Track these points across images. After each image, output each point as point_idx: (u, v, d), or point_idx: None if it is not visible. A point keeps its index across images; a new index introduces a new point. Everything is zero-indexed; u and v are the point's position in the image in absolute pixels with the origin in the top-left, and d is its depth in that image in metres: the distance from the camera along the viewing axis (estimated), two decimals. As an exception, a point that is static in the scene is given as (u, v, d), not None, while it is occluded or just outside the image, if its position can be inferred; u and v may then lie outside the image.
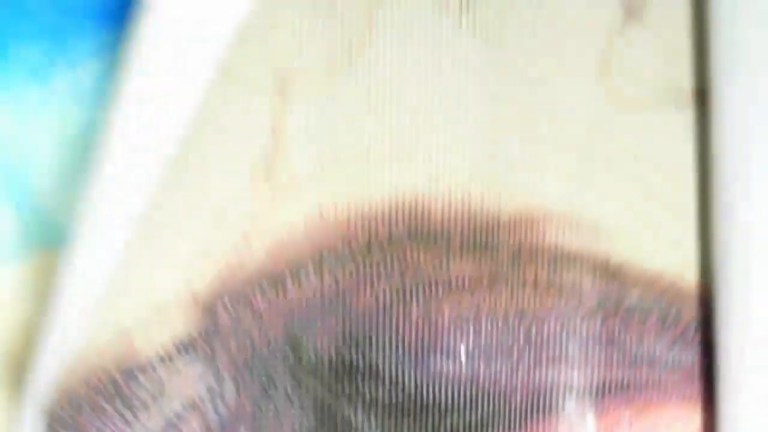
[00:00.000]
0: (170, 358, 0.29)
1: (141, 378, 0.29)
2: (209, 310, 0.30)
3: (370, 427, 0.27)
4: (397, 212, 0.28)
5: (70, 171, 0.70)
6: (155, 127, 0.34)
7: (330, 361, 0.28)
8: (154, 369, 0.29)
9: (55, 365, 0.31)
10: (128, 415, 0.29)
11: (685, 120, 0.29)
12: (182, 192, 0.35)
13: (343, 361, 0.28)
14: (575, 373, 0.28)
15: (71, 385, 0.30)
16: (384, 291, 0.28)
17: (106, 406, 0.29)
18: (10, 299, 0.67)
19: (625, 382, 0.28)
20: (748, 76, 0.26)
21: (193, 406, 0.28)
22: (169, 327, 0.30)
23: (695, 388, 0.28)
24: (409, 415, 0.27)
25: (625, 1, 0.29)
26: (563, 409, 0.28)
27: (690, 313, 0.29)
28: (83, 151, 0.69)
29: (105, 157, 0.36)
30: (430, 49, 0.29)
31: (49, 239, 0.68)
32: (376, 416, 0.27)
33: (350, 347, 0.28)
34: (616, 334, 0.28)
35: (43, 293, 0.66)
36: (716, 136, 0.27)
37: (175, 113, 0.34)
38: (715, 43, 0.27)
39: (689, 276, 0.29)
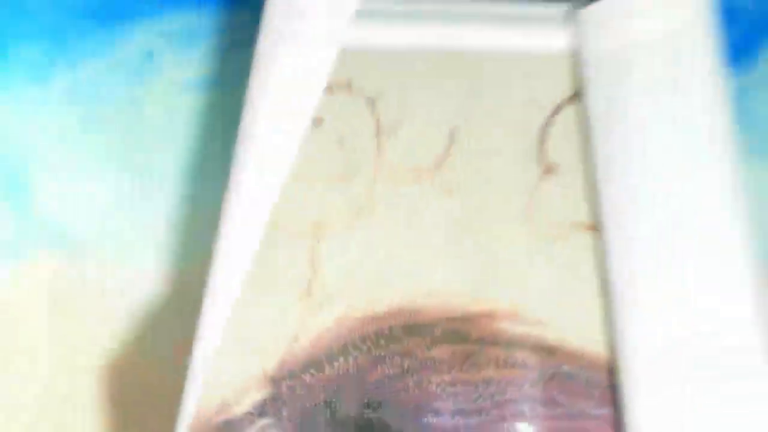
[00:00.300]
0: (250, 416, 0.40)
1: (237, 425, 0.40)
2: (275, 383, 0.41)
3: None
4: (396, 315, 0.40)
5: (70, 171, 0.71)
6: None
7: (354, 418, 0.39)
8: (240, 422, 0.40)
9: (189, 411, 0.41)
10: None
11: (584, 244, 0.41)
12: (255, 304, 0.43)
13: (363, 418, 0.39)
14: (527, 426, 0.39)
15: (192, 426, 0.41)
16: (389, 369, 0.40)
17: None
18: (10, 299, 0.70)
19: (569, 428, 0.39)
20: (624, 215, 0.40)
21: None
22: (250, 394, 0.40)
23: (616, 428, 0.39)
24: None
25: (543, 160, 0.41)
26: None
27: (604, 378, 0.40)
28: (83, 151, 0.70)
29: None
30: (415, 205, 0.42)
31: (49, 239, 0.71)
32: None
33: (368, 408, 0.39)
34: (555, 395, 0.40)
35: (42, 293, 0.69)
36: (608, 255, 0.40)
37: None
38: (601, 192, 0.41)
39: (601, 352, 0.41)
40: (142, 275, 0.71)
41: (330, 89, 0.43)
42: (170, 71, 0.72)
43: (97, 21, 0.72)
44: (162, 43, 0.72)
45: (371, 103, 0.43)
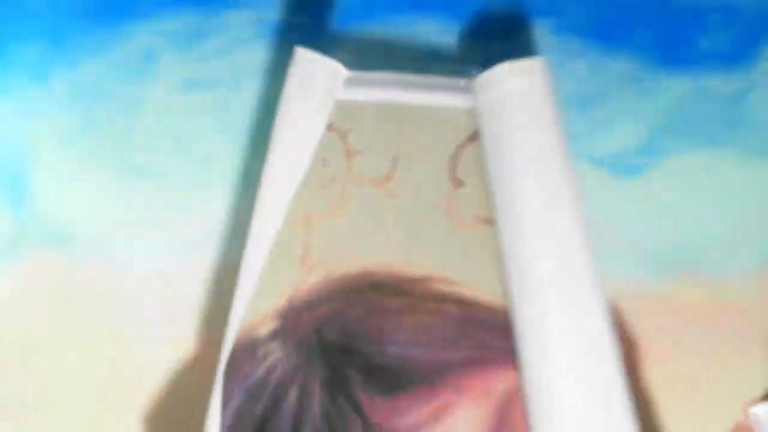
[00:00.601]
0: (266, 338, 0.59)
1: (256, 345, 0.59)
2: (283, 317, 0.59)
3: (356, 375, 0.58)
4: (362, 276, 0.60)
5: (70, 171, 0.71)
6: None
7: (335, 343, 0.58)
8: (261, 342, 0.59)
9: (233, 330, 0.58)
10: (249, 364, 0.58)
11: (485, 232, 0.61)
12: (272, 267, 0.60)
13: (340, 343, 0.59)
14: (453, 354, 0.58)
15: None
16: (358, 312, 0.59)
17: (240, 360, 0.58)
18: (10, 298, 0.70)
19: (480, 357, 0.58)
20: (509, 213, 0.60)
21: (276, 364, 0.58)
22: (267, 323, 0.59)
23: (512, 359, 0.57)
24: (373, 371, 0.58)
25: (456, 178, 0.62)
26: (449, 375, 0.57)
27: (502, 320, 0.59)
28: (82, 151, 0.70)
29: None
30: (373, 204, 0.62)
31: (49, 239, 0.71)
32: (358, 370, 0.58)
33: (348, 336, 0.59)
34: (470, 333, 0.59)
35: (42, 292, 0.70)
36: (500, 239, 0.60)
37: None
38: (494, 198, 0.61)
39: (500, 303, 0.60)
40: (141, 275, 0.71)
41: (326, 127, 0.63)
42: (169, 71, 0.72)
43: (97, 21, 0.72)
44: (161, 43, 0.72)
45: (343, 137, 0.63)
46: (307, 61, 0.61)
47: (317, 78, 0.62)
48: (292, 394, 0.57)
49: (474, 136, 0.62)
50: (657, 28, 0.71)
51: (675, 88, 0.70)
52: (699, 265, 0.69)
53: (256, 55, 0.72)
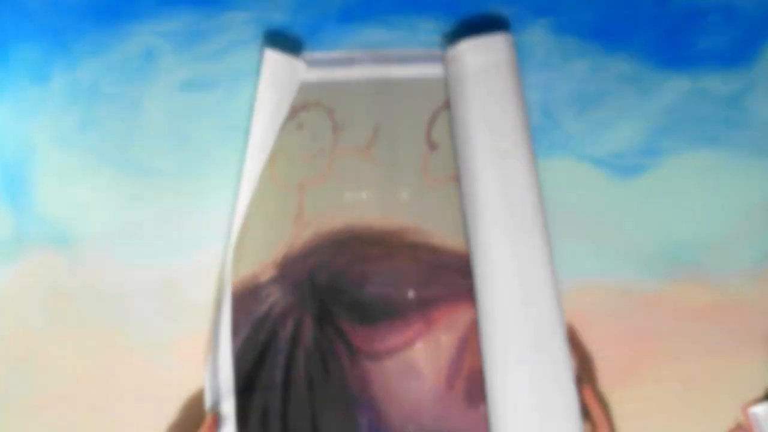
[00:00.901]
0: (267, 283, 0.71)
1: (259, 288, 0.70)
2: (280, 266, 0.71)
3: (342, 310, 0.70)
4: (346, 231, 0.71)
5: (70, 170, 0.71)
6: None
7: (325, 285, 0.71)
8: (263, 286, 0.70)
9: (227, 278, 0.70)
10: (254, 303, 0.70)
11: (452, 189, 0.71)
12: (271, 225, 0.71)
13: (329, 285, 0.71)
14: (424, 292, 0.70)
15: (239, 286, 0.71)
16: (343, 259, 0.71)
17: (247, 300, 0.70)
18: (10, 298, 0.70)
19: (448, 294, 0.69)
20: (471, 172, 0.69)
21: (276, 302, 0.70)
22: (266, 271, 0.71)
23: (471, 296, 0.68)
24: (355, 306, 0.70)
25: (430, 141, 0.72)
26: (420, 309, 0.69)
27: (466, 263, 0.69)
28: (82, 151, 0.70)
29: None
30: (356, 169, 0.72)
31: (49, 238, 0.71)
32: (343, 306, 0.70)
33: (335, 279, 0.71)
34: (438, 274, 0.70)
35: (42, 291, 0.69)
36: (463, 194, 0.70)
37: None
38: (459, 158, 0.70)
39: (464, 249, 0.70)
40: (141, 274, 0.71)
41: (307, 106, 0.72)
42: (169, 71, 0.72)
43: (96, 22, 0.73)
44: (161, 43, 0.72)
45: (330, 112, 0.72)
46: (272, 60, 0.70)
47: (280, 73, 0.71)
48: (289, 326, 0.69)
49: (447, 105, 0.71)
50: (656, 28, 0.71)
51: (674, 88, 0.70)
52: (699, 265, 0.69)
53: (255, 55, 0.72)
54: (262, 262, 0.70)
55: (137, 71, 0.73)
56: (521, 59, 0.70)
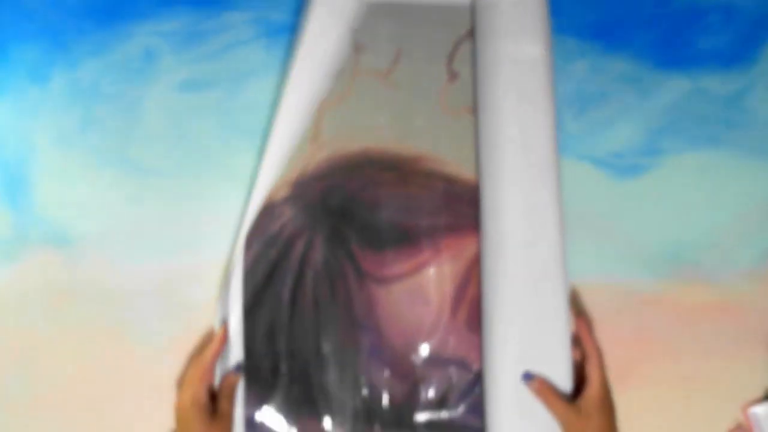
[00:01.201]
0: (280, 202, 0.70)
1: (273, 207, 0.70)
2: (295, 186, 0.70)
3: (352, 233, 0.70)
4: (362, 154, 0.70)
5: (70, 170, 0.71)
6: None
7: (337, 207, 0.70)
8: (276, 205, 0.70)
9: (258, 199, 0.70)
10: (266, 221, 0.70)
11: (468, 120, 0.70)
12: (290, 146, 0.71)
13: (343, 208, 0.70)
14: (435, 220, 0.70)
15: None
16: (359, 180, 0.70)
17: (260, 218, 0.70)
18: (9, 298, 0.70)
19: (457, 224, 0.69)
20: (488, 105, 0.69)
21: (288, 222, 0.70)
22: (280, 191, 0.70)
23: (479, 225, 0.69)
24: (366, 230, 0.70)
25: (451, 70, 0.71)
26: (429, 236, 0.69)
27: (476, 193, 0.69)
28: (82, 151, 0.70)
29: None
30: (375, 93, 0.71)
31: (49, 238, 0.71)
32: (354, 229, 0.70)
33: (347, 202, 0.70)
34: (449, 203, 0.69)
35: (42, 291, 0.69)
36: (478, 126, 0.70)
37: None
38: (477, 91, 0.70)
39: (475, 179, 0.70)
40: (141, 274, 0.71)
41: None
42: (169, 71, 0.72)
43: (96, 22, 0.72)
44: (161, 43, 0.72)
45: (352, 33, 0.71)
46: None
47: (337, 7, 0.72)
48: (300, 245, 0.69)
49: (471, 33, 0.71)
50: (656, 28, 0.71)
51: (674, 88, 0.70)
52: (699, 264, 0.69)
53: (256, 55, 0.72)
54: (277, 182, 0.70)
55: (137, 71, 0.73)
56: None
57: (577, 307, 0.68)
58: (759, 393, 0.67)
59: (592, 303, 0.68)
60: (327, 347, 0.68)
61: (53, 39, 0.73)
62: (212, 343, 0.67)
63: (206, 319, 0.70)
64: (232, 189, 0.71)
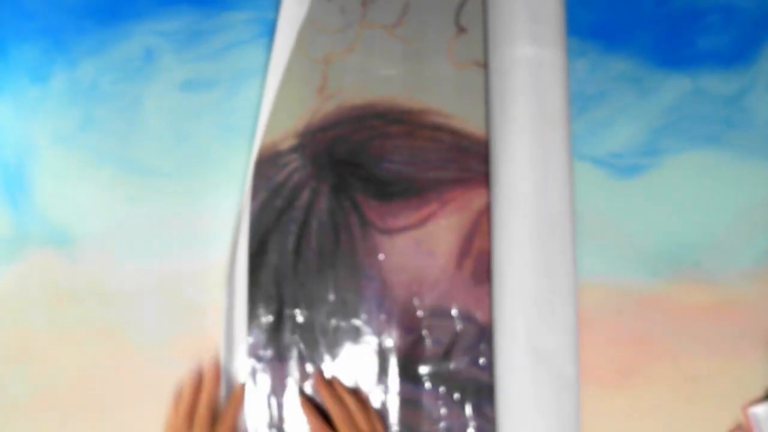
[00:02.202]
0: (286, 151, 0.71)
1: (279, 156, 0.71)
2: (301, 136, 0.71)
3: (358, 183, 0.71)
4: (368, 106, 0.71)
5: (70, 170, 0.71)
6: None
7: (343, 159, 0.71)
8: (283, 154, 0.71)
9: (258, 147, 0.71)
10: (272, 169, 0.71)
11: (477, 73, 0.72)
12: (297, 96, 0.72)
13: (348, 158, 0.71)
14: (441, 173, 0.71)
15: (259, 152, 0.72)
16: (363, 134, 0.71)
17: (266, 166, 0.71)
18: (9, 298, 0.70)
19: (463, 177, 0.71)
20: (497, 58, 0.69)
21: (294, 171, 0.71)
22: (287, 140, 0.72)
23: (488, 181, 0.70)
24: (372, 181, 0.71)
25: (459, 24, 0.72)
26: (435, 189, 0.70)
27: (484, 148, 0.71)
28: (82, 151, 0.70)
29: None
30: (383, 45, 0.73)
31: (49, 238, 0.71)
32: (360, 179, 0.71)
33: (354, 153, 0.71)
34: (456, 157, 0.71)
35: (42, 291, 0.69)
36: (489, 77, 0.70)
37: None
38: (488, 45, 0.71)
39: (483, 133, 0.71)
40: (141, 274, 0.71)
41: None
42: (169, 71, 0.72)
43: (96, 22, 0.72)
44: (161, 43, 0.72)
45: None
46: None
47: None
48: (305, 194, 0.70)
49: None
50: (656, 28, 0.70)
51: (674, 87, 0.70)
52: (699, 265, 0.68)
53: (256, 55, 0.72)
54: (282, 131, 0.71)
55: (137, 71, 0.73)
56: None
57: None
58: (759, 393, 0.67)
59: (592, 303, 0.68)
60: (330, 295, 0.69)
61: (53, 38, 0.73)
62: (230, 403, 0.68)
63: (206, 319, 0.71)
64: (232, 189, 0.71)
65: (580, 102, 0.70)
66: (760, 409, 0.66)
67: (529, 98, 0.66)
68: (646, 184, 0.69)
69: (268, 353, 0.69)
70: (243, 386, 0.68)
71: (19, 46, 0.73)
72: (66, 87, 0.73)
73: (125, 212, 0.72)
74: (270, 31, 0.72)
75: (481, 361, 0.68)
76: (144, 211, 0.72)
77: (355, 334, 0.69)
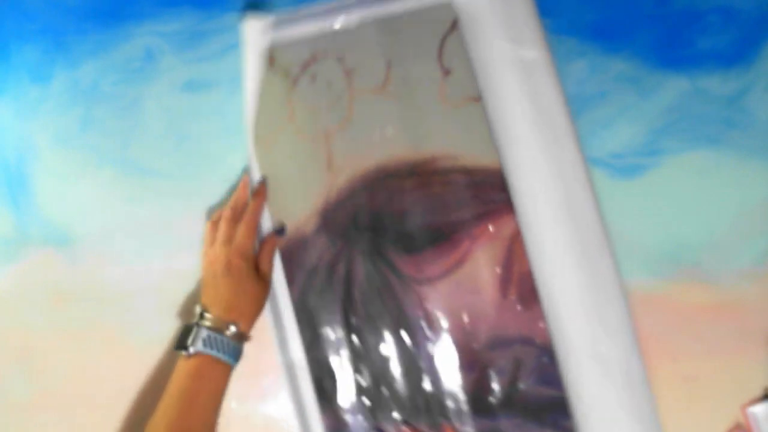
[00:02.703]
0: (313, 234, 0.72)
1: (306, 240, 0.72)
2: (322, 215, 0.72)
3: (388, 243, 0.71)
4: (377, 170, 0.72)
5: (70, 170, 0.71)
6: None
7: (369, 223, 0.72)
8: (310, 237, 0.72)
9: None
10: (304, 254, 0.72)
11: (474, 108, 0.71)
12: (309, 177, 0.73)
13: (374, 224, 0.72)
14: (464, 212, 0.71)
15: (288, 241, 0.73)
16: (383, 194, 0.72)
17: (297, 253, 0.72)
18: (9, 297, 0.70)
19: (487, 210, 0.71)
20: (493, 92, 0.71)
21: (325, 250, 0.72)
22: (310, 223, 0.72)
23: (511, 207, 0.70)
24: (400, 238, 0.72)
25: (443, 67, 0.72)
26: (463, 229, 0.71)
27: (499, 179, 0.70)
28: (83, 151, 0.70)
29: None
30: (375, 108, 0.73)
31: (49, 238, 0.71)
32: (388, 240, 0.72)
33: (377, 218, 0.72)
34: (475, 194, 0.71)
35: (42, 291, 0.69)
36: (487, 113, 0.71)
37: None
38: (479, 80, 0.71)
39: (496, 165, 0.71)
40: (141, 274, 0.71)
41: (316, 57, 0.72)
42: (169, 72, 0.72)
43: (97, 23, 0.73)
44: (161, 44, 0.72)
45: (340, 59, 0.73)
46: (247, 23, 0.72)
47: (251, 32, 0.72)
48: (341, 269, 0.71)
49: (455, 25, 0.71)
50: (656, 29, 0.71)
51: (674, 88, 0.70)
52: (699, 265, 0.69)
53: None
54: (303, 215, 0.72)
55: (138, 72, 0.73)
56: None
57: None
58: (758, 393, 0.67)
59: (591, 303, 0.68)
60: (389, 356, 0.70)
61: (54, 39, 0.73)
62: (254, 198, 0.70)
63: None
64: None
65: (580, 103, 0.70)
66: (759, 409, 0.66)
67: (532, 119, 0.68)
68: (646, 185, 0.69)
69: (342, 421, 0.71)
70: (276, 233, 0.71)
71: (20, 47, 0.73)
72: (67, 87, 0.73)
73: (125, 212, 0.72)
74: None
75: (548, 377, 0.68)
76: (144, 211, 0.72)
77: (421, 386, 0.70)
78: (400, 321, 0.70)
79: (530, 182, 0.68)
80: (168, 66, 0.73)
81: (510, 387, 0.69)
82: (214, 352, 0.62)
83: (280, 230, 0.71)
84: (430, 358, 0.70)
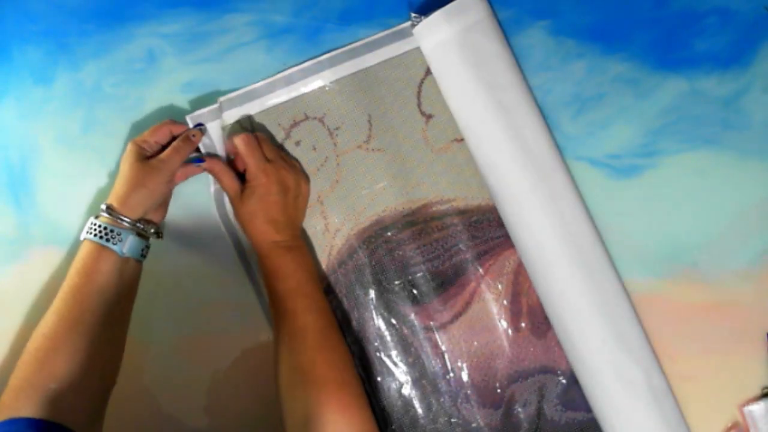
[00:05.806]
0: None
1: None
2: (326, 278, 0.73)
3: (397, 298, 0.72)
4: (374, 224, 0.73)
5: (72, 171, 0.71)
6: None
7: (374, 281, 0.73)
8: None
9: None
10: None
11: (460, 149, 0.73)
12: (306, 237, 0.74)
13: (379, 280, 0.72)
14: (466, 254, 0.73)
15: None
16: (382, 249, 0.73)
17: None
18: (12, 297, 0.70)
19: (488, 248, 0.72)
20: (474, 131, 0.70)
21: (335, 308, 0.73)
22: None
23: (510, 242, 0.72)
24: (409, 290, 0.72)
25: (424, 113, 0.73)
26: (467, 270, 0.72)
27: (495, 215, 0.72)
28: (84, 151, 0.70)
29: None
30: (362, 164, 0.73)
31: (51, 238, 0.71)
32: (397, 294, 0.72)
33: (380, 273, 0.73)
34: (473, 234, 0.72)
35: (44, 291, 0.69)
36: (473, 152, 0.72)
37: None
38: (459, 121, 0.72)
39: (488, 203, 0.73)
40: (141, 274, 0.71)
41: (296, 122, 0.73)
42: (171, 73, 0.72)
43: (99, 23, 0.73)
44: (163, 45, 0.73)
45: (321, 121, 0.73)
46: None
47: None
48: (353, 329, 0.72)
49: (429, 70, 0.72)
50: (654, 31, 0.71)
51: (671, 89, 0.70)
52: (696, 265, 0.69)
53: (257, 57, 0.73)
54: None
55: (140, 73, 0.73)
56: (520, 60, 0.71)
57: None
58: (755, 392, 0.68)
59: (590, 302, 0.69)
60: (417, 403, 0.71)
61: (56, 40, 0.73)
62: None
63: (207, 320, 0.71)
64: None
65: (577, 103, 0.71)
66: (756, 408, 0.67)
67: (519, 156, 0.68)
68: (643, 185, 0.70)
69: None
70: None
71: (22, 48, 0.74)
72: (69, 88, 0.73)
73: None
74: (271, 33, 0.73)
75: (574, 401, 0.70)
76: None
77: (447, 428, 0.70)
78: (419, 371, 0.71)
79: (524, 215, 0.68)
80: (170, 67, 0.73)
81: (538, 417, 0.70)
82: (98, 240, 0.63)
83: (199, 124, 0.70)
84: (454, 402, 0.70)
